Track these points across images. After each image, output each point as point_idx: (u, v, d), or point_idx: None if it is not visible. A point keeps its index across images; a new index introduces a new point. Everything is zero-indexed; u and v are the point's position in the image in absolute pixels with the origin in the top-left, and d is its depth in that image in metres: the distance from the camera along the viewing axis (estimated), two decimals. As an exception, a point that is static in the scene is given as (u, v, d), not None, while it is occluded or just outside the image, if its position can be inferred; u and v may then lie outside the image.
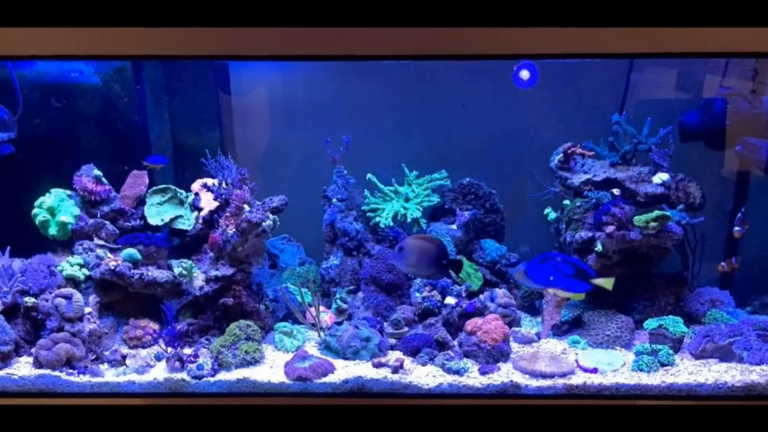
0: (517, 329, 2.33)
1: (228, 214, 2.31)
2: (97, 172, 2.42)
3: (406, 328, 2.29)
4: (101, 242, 2.36)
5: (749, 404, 1.95)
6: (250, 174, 2.36)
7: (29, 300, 2.16)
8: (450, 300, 2.33)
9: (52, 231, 2.39)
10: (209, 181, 2.48)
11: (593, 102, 2.62)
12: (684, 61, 2.45)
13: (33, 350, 2.09)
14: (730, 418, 1.95)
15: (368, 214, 2.60)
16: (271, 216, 2.33)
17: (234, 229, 2.27)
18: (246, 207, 2.31)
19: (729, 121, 2.36)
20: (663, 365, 2.06)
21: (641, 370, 2.03)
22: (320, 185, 2.71)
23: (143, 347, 2.24)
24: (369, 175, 2.61)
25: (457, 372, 2.03)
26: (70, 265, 2.27)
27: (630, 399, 1.97)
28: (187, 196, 2.52)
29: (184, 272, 2.30)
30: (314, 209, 2.72)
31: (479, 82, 2.66)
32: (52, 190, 2.41)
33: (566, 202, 2.48)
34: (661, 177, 2.35)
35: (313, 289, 2.46)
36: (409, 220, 2.56)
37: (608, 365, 2.06)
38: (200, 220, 2.48)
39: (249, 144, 2.85)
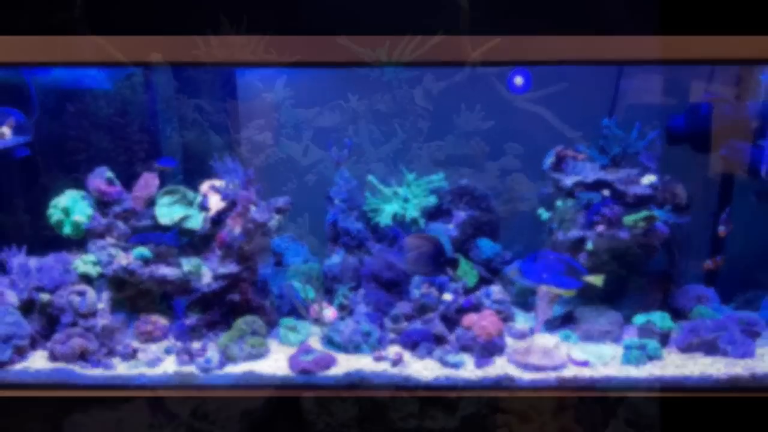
0: (511, 324, 2.35)
1: (235, 214, 2.33)
2: (109, 174, 2.43)
3: (405, 323, 2.30)
4: (114, 241, 2.37)
5: (733, 396, 1.99)
6: (256, 176, 2.37)
7: (44, 296, 2.19)
8: (447, 296, 2.33)
9: (67, 230, 2.39)
10: (217, 183, 2.47)
11: (584, 107, 2.63)
12: (671, 67, 2.46)
13: (48, 344, 2.12)
14: (715, 409, 1.98)
15: (369, 214, 2.61)
16: (276, 216, 2.36)
17: (240, 229, 2.30)
18: (252, 207, 2.33)
19: (714, 125, 2.37)
20: (651, 359, 2.09)
21: (630, 363, 2.07)
22: (323, 187, 2.72)
23: (154, 341, 2.26)
24: (370, 177, 2.63)
25: (454, 365, 2.07)
26: (83, 263, 2.29)
27: (619, 391, 2.00)
28: (195, 197, 2.52)
29: (193, 270, 2.32)
30: (317, 209, 2.73)
31: (476, 87, 2.69)
32: (66, 191, 2.41)
33: (558, 202, 2.48)
34: (649, 179, 2.36)
35: (316, 285, 2.48)
36: (408, 220, 2.58)
37: (598, 359, 2.09)
38: (208, 220, 2.46)
39: (255, 147, 2.86)
